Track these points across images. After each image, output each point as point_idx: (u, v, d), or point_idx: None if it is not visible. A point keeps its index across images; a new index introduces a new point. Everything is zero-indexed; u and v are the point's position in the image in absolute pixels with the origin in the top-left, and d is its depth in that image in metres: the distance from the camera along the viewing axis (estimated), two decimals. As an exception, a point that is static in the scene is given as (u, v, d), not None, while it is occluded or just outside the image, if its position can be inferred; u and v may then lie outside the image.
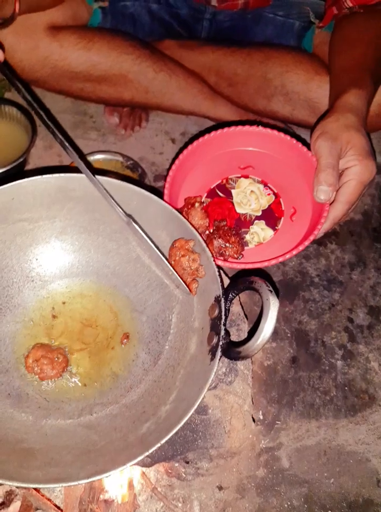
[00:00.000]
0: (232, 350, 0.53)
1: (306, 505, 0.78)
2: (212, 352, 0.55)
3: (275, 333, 0.91)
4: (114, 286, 0.69)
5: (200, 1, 1.01)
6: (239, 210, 0.78)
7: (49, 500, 0.63)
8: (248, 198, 0.78)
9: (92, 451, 0.53)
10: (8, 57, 0.91)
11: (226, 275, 0.77)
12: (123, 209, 0.60)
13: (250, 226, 0.77)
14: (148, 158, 1.11)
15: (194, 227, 0.62)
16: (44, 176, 0.59)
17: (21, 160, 0.94)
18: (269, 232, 0.76)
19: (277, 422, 0.83)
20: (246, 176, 0.80)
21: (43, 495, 0.63)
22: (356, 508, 0.78)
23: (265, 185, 0.79)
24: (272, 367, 0.88)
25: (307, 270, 0.99)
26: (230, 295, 0.57)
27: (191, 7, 1.04)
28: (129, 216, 0.60)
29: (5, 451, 0.51)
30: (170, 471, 0.70)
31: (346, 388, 0.87)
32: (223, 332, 0.55)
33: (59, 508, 0.63)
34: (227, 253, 0.71)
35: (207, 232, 0.72)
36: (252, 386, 0.71)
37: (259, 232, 0.76)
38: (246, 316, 0.75)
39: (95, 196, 0.61)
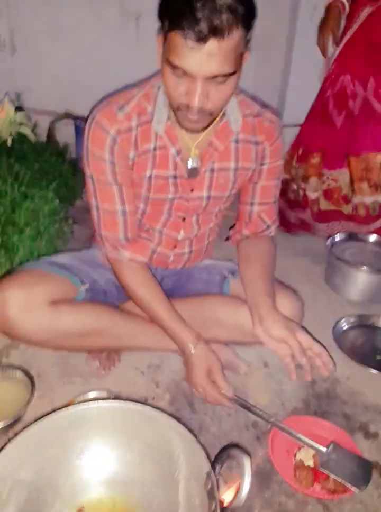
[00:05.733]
0: (225, 510, 0.73)
1: None
2: (212, 514, 0.74)
3: None
4: (125, 492, 0.87)
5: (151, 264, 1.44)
6: None
7: None
8: None
9: None
10: (13, 329, 1.21)
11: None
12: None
13: None
14: (125, 391, 1.37)
15: None
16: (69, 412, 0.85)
17: (22, 413, 1.19)
18: None
19: None
20: None
21: None
22: None
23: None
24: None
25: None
26: (217, 467, 0.79)
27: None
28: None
29: None
30: None
31: None
32: (217, 498, 0.75)
33: None
34: None
35: None
36: None
37: None
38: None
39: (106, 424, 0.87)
